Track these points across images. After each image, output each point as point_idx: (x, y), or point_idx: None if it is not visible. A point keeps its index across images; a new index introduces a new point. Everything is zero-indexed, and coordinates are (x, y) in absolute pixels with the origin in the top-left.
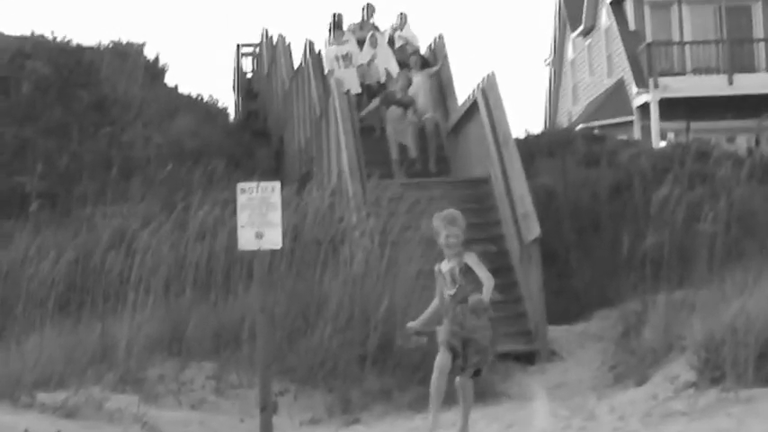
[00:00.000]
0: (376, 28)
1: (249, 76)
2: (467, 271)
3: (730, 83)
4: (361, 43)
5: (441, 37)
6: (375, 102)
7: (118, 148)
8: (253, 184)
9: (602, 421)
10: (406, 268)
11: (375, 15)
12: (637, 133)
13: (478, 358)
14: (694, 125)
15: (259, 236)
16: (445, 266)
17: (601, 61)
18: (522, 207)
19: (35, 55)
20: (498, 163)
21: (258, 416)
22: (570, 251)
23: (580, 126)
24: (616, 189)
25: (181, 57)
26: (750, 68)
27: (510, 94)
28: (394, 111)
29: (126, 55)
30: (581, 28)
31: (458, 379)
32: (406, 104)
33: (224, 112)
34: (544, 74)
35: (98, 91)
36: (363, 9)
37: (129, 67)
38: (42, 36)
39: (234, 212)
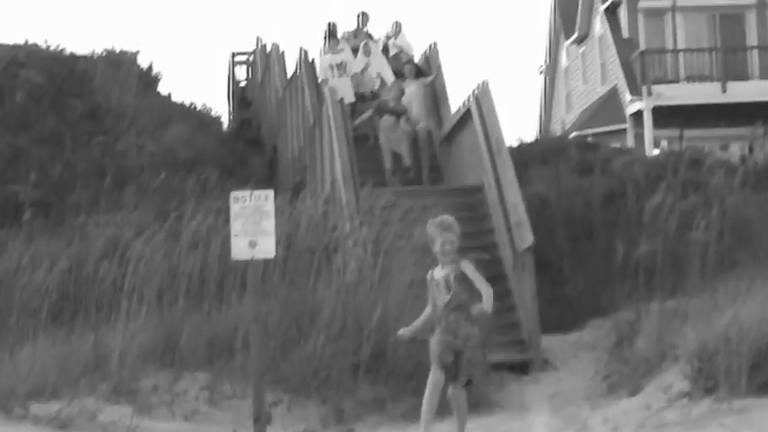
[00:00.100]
0: (370, 36)
1: (243, 84)
2: (462, 278)
3: (724, 90)
4: (355, 51)
5: (434, 45)
6: (368, 111)
7: (111, 156)
8: (246, 193)
9: None
10: (399, 277)
11: (369, 23)
12: (630, 141)
13: (470, 369)
14: (688, 133)
15: (252, 245)
16: (439, 273)
17: (594, 69)
18: (515, 215)
19: (29, 64)
20: (491, 171)
21: (252, 427)
22: (563, 259)
23: (573, 134)
24: (609, 197)
25: (174, 65)
26: (743, 76)
27: (503, 103)
28: (387, 120)
29: (119, 63)
30: (575, 36)
31: (450, 389)
32: (399, 113)
33: (217, 120)
34: (538, 82)
35: (91, 100)
36: (358, 17)
37: (123, 75)
38: (36, 45)
39: (227, 221)
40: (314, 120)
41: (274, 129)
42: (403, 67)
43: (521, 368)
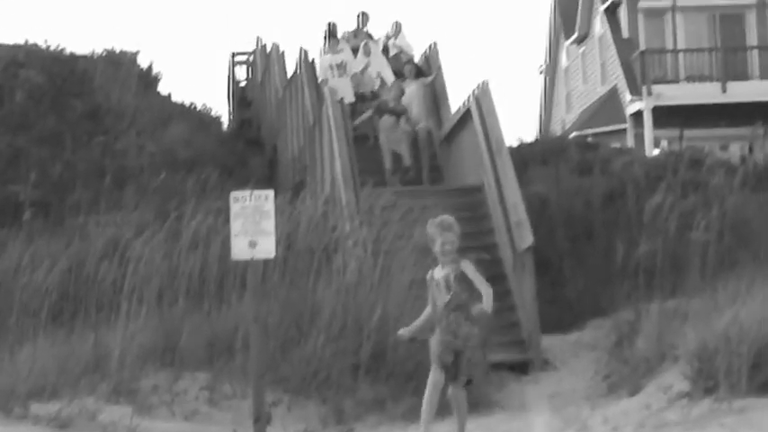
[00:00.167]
0: (370, 36)
1: (243, 84)
2: (462, 278)
3: (724, 90)
4: (355, 51)
5: (434, 45)
6: (368, 111)
7: (111, 156)
8: (246, 193)
9: None
10: (399, 277)
11: (369, 23)
12: (630, 141)
13: (469, 368)
14: (688, 133)
15: (252, 245)
16: (439, 273)
17: (594, 69)
18: (515, 215)
19: (29, 64)
20: (491, 171)
21: (252, 427)
22: (563, 259)
23: (574, 134)
24: (609, 197)
25: (174, 65)
26: (743, 76)
27: (503, 103)
28: (387, 120)
29: (119, 63)
30: (575, 36)
31: (450, 389)
32: (399, 113)
33: (217, 120)
34: (538, 82)
35: (91, 100)
36: (358, 17)
37: (123, 75)
38: (36, 45)
39: (227, 221)
40: (314, 120)
41: (274, 129)
42: (403, 67)
43: (521, 368)
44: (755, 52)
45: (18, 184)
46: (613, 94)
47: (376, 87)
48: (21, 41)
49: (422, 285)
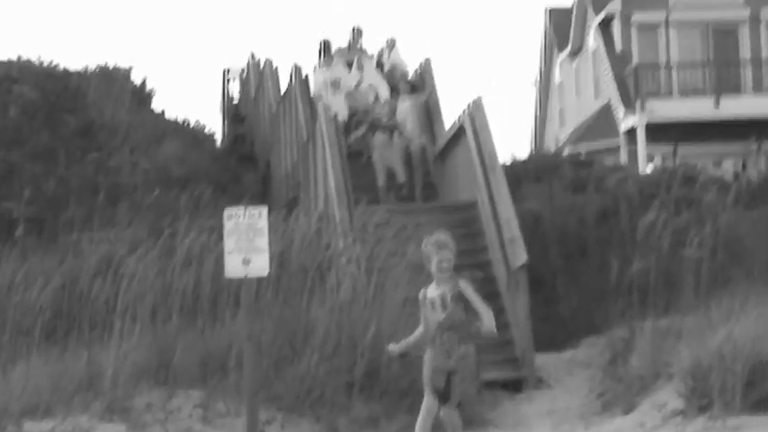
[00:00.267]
0: (364, 51)
1: (236, 100)
2: (459, 298)
3: (717, 105)
4: (348, 66)
5: (428, 61)
6: (362, 128)
7: (105, 173)
8: (240, 210)
9: None
10: (392, 294)
11: (363, 39)
12: (624, 158)
13: (462, 388)
14: (681, 149)
15: (246, 262)
16: (433, 291)
17: (588, 84)
18: (508, 232)
19: (22, 79)
20: (485, 188)
21: None
22: (557, 277)
23: (567, 149)
24: (603, 214)
25: (168, 81)
26: (737, 90)
27: (497, 118)
28: (380, 136)
29: (113, 79)
30: (568, 50)
31: (443, 411)
32: (392, 128)
33: (211, 137)
34: (531, 97)
35: (85, 116)
36: (351, 32)
37: (116, 91)
38: (29, 61)
39: (221, 239)
40: (307, 136)
41: (268, 145)
42: (397, 83)
43: (514, 386)
44: (749, 66)
45: (11, 200)
46: (607, 110)
47: (371, 100)
48: (14, 57)
49: (415, 303)
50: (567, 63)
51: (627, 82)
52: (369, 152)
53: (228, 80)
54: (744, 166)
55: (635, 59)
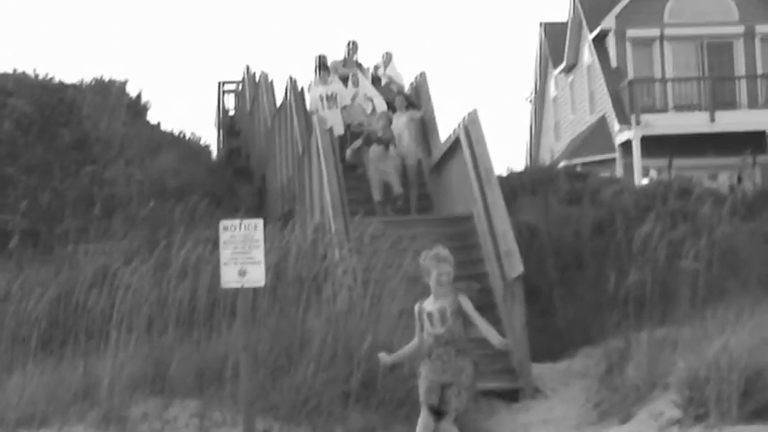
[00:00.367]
0: (359, 65)
1: (231, 113)
2: (459, 313)
3: (712, 120)
4: (344, 80)
5: (423, 75)
6: (358, 141)
7: (100, 185)
8: (236, 222)
9: None
10: (389, 306)
11: (358, 53)
12: (619, 170)
13: (458, 402)
14: (676, 162)
15: (242, 273)
16: (431, 305)
17: (583, 98)
18: (504, 244)
19: (17, 92)
20: (481, 200)
21: None
22: (553, 288)
23: (563, 163)
24: (598, 227)
25: (163, 94)
26: (732, 105)
27: (493, 132)
28: (375, 149)
29: (108, 92)
30: (563, 65)
31: (441, 427)
32: (387, 141)
33: (206, 149)
34: (526, 111)
35: (80, 128)
36: (347, 46)
37: (112, 104)
38: (24, 73)
39: (216, 250)
40: (303, 148)
41: (263, 157)
42: (394, 98)
43: (511, 396)
44: (743, 81)
45: (6, 213)
46: (602, 124)
47: (368, 112)
48: (10, 70)
49: (412, 314)
50: (563, 77)
51: (622, 96)
52: (364, 166)
53: (224, 93)
54: (739, 179)
55: (630, 74)
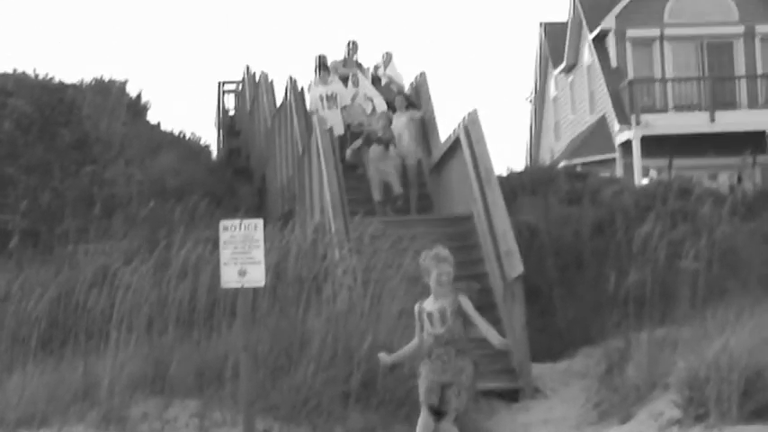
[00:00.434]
0: (359, 65)
1: (231, 113)
2: (459, 313)
3: (712, 120)
4: (344, 80)
5: (423, 75)
6: (358, 141)
7: (100, 185)
8: (236, 222)
9: None
10: (389, 306)
11: (358, 53)
12: (619, 170)
13: (458, 402)
14: (676, 162)
15: (242, 273)
16: (431, 305)
17: (583, 98)
18: (504, 244)
19: (17, 93)
20: (481, 200)
21: None
22: (553, 288)
23: (563, 163)
24: (598, 226)
25: (163, 94)
26: (732, 105)
27: (493, 132)
28: (375, 149)
29: (108, 92)
30: (563, 65)
31: (441, 427)
32: (387, 141)
33: (206, 149)
34: (526, 111)
35: (80, 129)
36: (347, 46)
37: (112, 104)
38: (24, 73)
39: (216, 250)
40: (303, 148)
41: (263, 157)
42: (394, 98)
43: (511, 396)
44: (743, 81)
45: (6, 212)
46: (602, 124)
47: (369, 111)
48: (10, 70)
49: (412, 314)
50: (563, 77)
51: (622, 96)
52: (364, 166)
53: (224, 93)
54: (739, 179)
55: (630, 74)
